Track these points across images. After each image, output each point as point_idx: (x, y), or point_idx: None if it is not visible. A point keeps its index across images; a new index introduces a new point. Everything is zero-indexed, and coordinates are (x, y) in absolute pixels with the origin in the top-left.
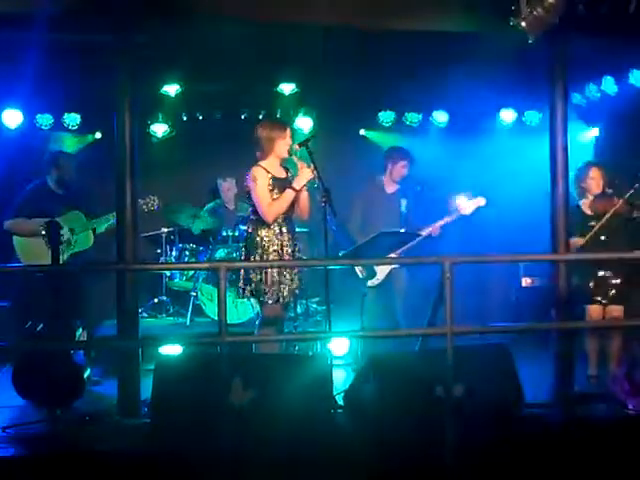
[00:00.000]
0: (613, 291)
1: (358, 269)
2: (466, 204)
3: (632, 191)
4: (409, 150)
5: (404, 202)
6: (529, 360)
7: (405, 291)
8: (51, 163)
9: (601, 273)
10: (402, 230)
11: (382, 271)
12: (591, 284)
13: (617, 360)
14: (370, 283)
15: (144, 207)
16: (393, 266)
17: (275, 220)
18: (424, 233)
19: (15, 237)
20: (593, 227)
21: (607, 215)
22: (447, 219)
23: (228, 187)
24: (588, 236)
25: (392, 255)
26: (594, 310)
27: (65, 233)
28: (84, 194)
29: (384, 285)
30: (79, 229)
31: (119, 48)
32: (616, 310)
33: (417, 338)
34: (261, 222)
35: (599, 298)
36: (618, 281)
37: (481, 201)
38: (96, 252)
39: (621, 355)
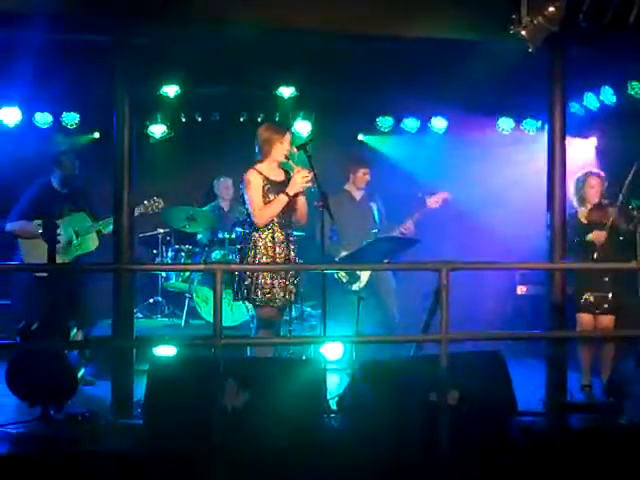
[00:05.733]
0: (605, 303)
1: (341, 274)
2: (433, 198)
3: (621, 198)
4: (367, 158)
5: (374, 206)
6: (523, 368)
7: (394, 290)
8: (54, 162)
9: (595, 283)
10: (374, 231)
11: (364, 274)
12: (583, 294)
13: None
14: (355, 287)
15: (149, 209)
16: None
17: (268, 224)
18: (397, 232)
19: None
20: (587, 236)
21: (607, 225)
22: (416, 215)
23: (225, 186)
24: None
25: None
26: (585, 319)
27: (69, 235)
28: (87, 192)
29: (370, 288)
30: (83, 231)
31: (118, 49)
32: (607, 320)
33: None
34: (255, 225)
35: (591, 308)
36: (610, 293)
37: (445, 194)
38: (100, 254)
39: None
